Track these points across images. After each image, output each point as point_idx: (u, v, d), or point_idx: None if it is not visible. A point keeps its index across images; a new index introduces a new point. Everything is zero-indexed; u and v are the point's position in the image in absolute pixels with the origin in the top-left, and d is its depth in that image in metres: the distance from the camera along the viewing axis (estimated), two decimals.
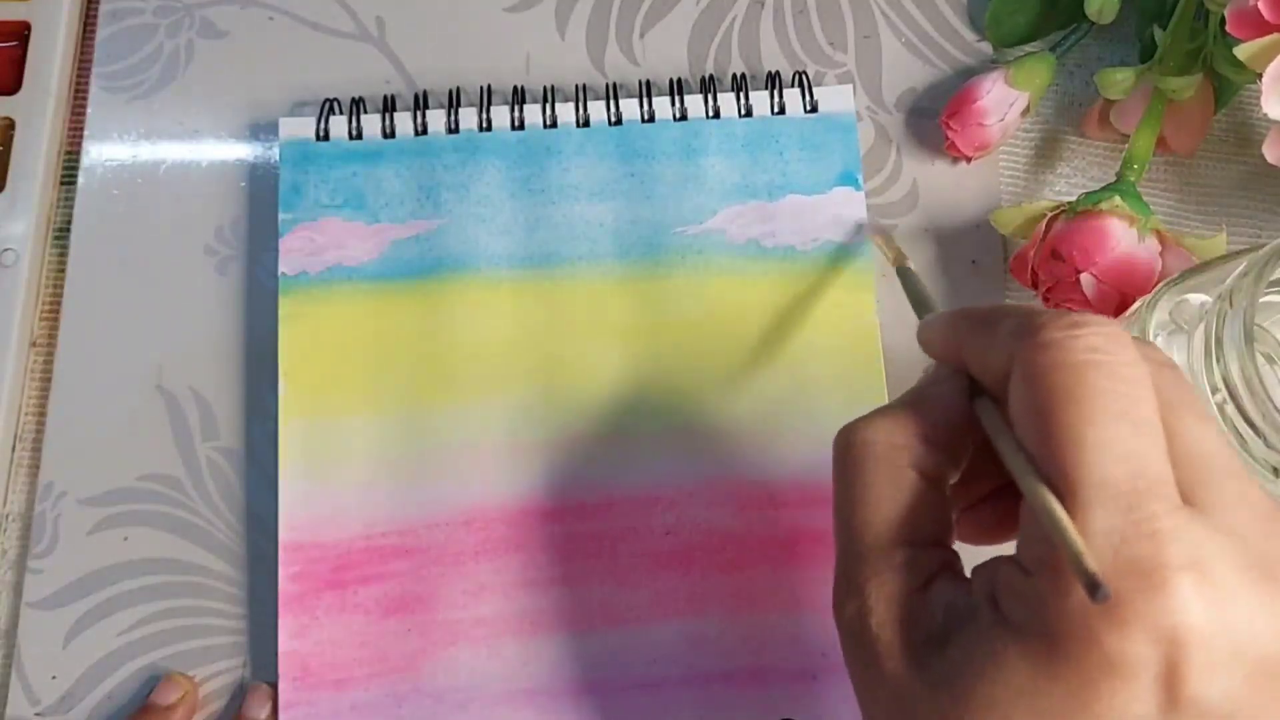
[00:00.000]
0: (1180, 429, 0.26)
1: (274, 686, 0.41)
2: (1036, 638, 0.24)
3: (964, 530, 0.31)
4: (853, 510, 0.28)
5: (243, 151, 0.48)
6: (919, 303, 0.38)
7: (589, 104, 0.47)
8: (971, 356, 0.28)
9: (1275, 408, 0.31)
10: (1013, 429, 0.26)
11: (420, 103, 0.47)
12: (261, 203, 0.47)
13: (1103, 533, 0.23)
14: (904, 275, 0.40)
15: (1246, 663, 0.23)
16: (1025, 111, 0.46)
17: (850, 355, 0.44)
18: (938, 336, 0.30)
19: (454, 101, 0.47)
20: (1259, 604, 0.23)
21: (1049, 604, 0.24)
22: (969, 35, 0.50)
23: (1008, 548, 0.27)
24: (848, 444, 0.28)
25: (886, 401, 0.43)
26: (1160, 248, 0.41)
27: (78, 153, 0.48)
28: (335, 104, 0.47)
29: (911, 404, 0.29)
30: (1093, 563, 0.23)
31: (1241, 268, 0.32)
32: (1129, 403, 0.24)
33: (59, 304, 0.46)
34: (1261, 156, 0.41)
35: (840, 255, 0.45)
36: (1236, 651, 0.23)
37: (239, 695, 0.42)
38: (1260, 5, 0.38)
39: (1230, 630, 0.23)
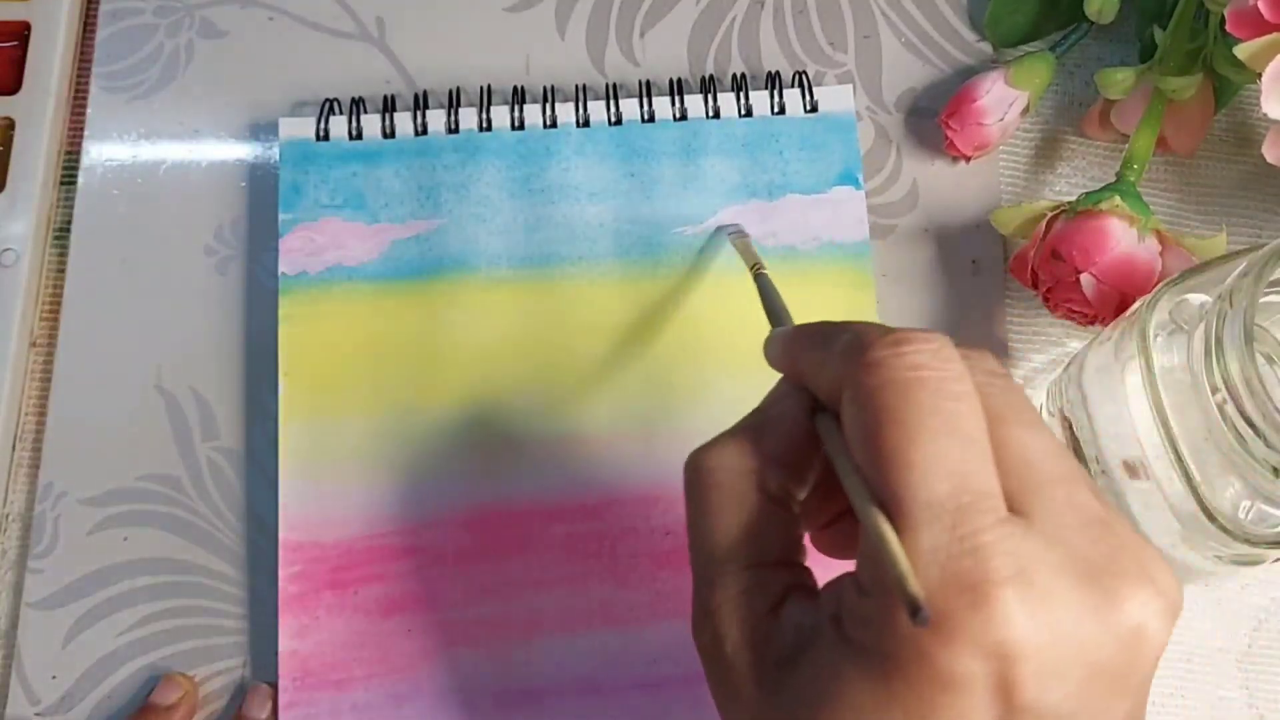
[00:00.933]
0: (1008, 438, 0.26)
1: (274, 687, 0.41)
2: (875, 658, 0.24)
3: (824, 544, 0.31)
4: (702, 536, 0.28)
5: (243, 151, 0.48)
6: (772, 313, 0.37)
7: (589, 104, 0.47)
8: (809, 374, 0.29)
9: (1275, 408, 0.31)
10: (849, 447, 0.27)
11: (420, 103, 0.47)
12: (261, 203, 0.47)
13: (930, 551, 0.24)
14: (760, 281, 0.40)
15: (1079, 667, 0.24)
16: (1025, 111, 0.46)
17: None
18: (780, 353, 0.30)
19: (454, 101, 0.47)
20: (1085, 609, 0.24)
21: (883, 625, 0.24)
22: (969, 35, 0.50)
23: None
24: (695, 470, 0.28)
25: None
26: (1160, 248, 0.41)
27: (78, 153, 0.48)
28: (335, 104, 0.47)
29: (755, 425, 0.29)
30: (915, 585, 0.23)
31: (1241, 268, 0.32)
32: (954, 418, 0.25)
33: (59, 304, 0.46)
34: (1261, 156, 0.41)
35: (841, 255, 0.45)
36: (1067, 657, 0.23)
37: (239, 695, 0.42)
38: (1260, 5, 0.38)
39: (1059, 638, 0.23)
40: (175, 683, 0.41)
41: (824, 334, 0.28)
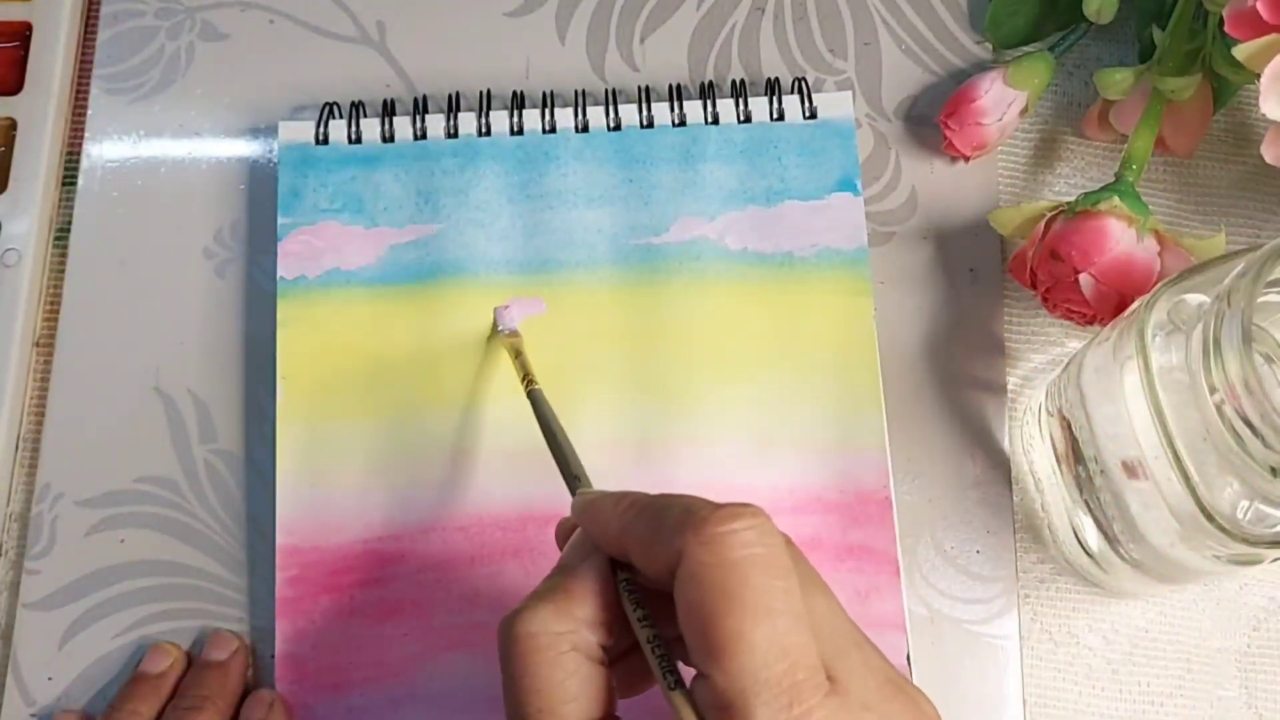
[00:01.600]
0: (813, 606, 0.28)
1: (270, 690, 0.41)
2: None
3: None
4: (525, 700, 0.28)
5: (242, 154, 0.48)
6: (552, 441, 0.38)
7: (588, 109, 0.47)
8: (635, 548, 0.29)
9: (1273, 408, 0.31)
10: (671, 612, 0.28)
11: (419, 107, 0.47)
12: (260, 206, 0.47)
13: None
14: (533, 399, 0.40)
15: None
16: (1024, 111, 0.46)
17: (848, 361, 0.44)
18: (599, 524, 0.31)
19: (453, 106, 0.47)
20: None
21: None
22: (969, 42, 0.50)
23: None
24: (512, 637, 0.29)
25: (882, 405, 0.43)
26: (1159, 248, 0.41)
27: (78, 154, 0.48)
28: (335, 108, 0.47)
29: (564, 587, 0.30)
30: None
31: (1240, 268, 0.32)
32: (784, 596, 0.27)
33: (60, 305, 0.46)
34: (1260, 157, 0.41)
35: (839, 261, 0.45)
36: None
37: None
38: (1259, 6, 0.38)
39: None
40: (164, 650, 0.41)
41: (652, 509, 0.29)
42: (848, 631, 0.29)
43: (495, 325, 0.44)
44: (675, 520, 0.28)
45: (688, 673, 0.28)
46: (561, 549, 0.33)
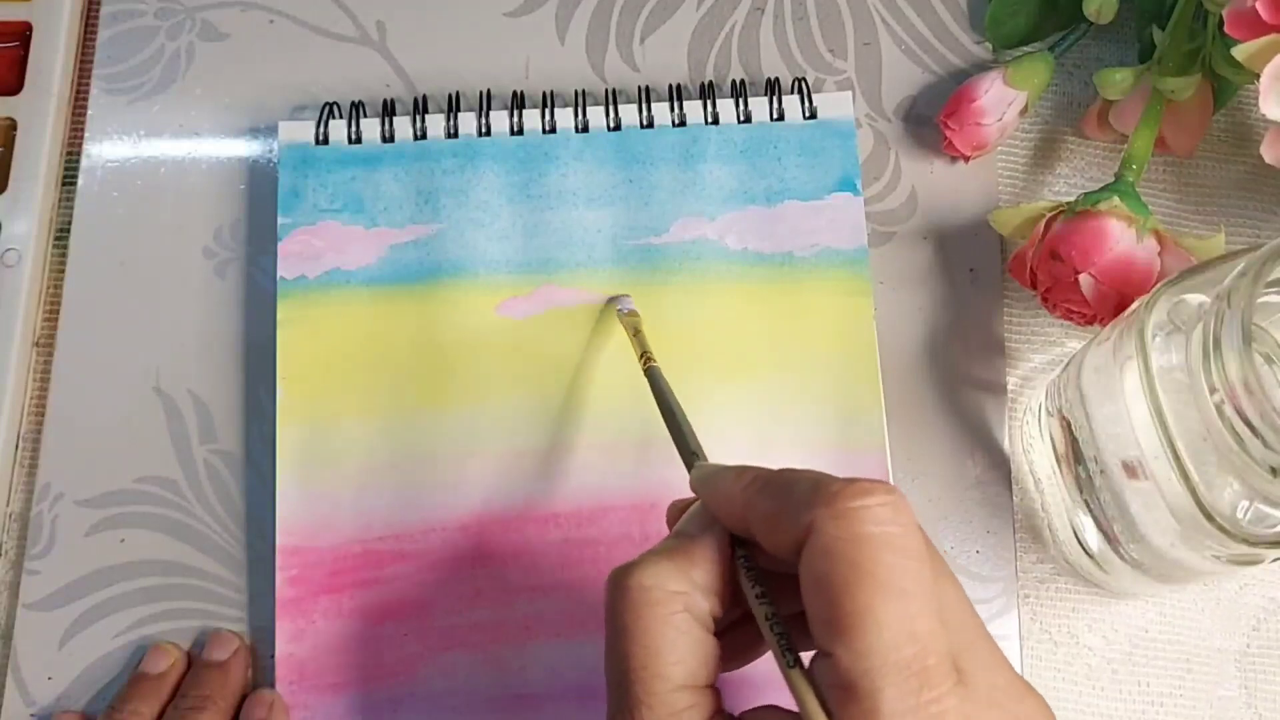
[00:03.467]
0: (944, 595, 0.27)
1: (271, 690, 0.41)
2: None
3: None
4: (631, 654, 0.28)
5: (242, 154, 0.48)
6: (669, 414, 0.37)
7: (588, 109, 0.47)
8: (759, 522, 0.29)
9: (1273, 408, 0.31)
10: (786, 594, 0.27)
11: (419, 107, 0.47)
12: (260, 206, 0.47)
13: (897, 714, 0.25)
14: (651, 377, 0.39)
15: None
16: (1023, 111, 0.46)
17: (848, 361, 0.44)
18: (721, 497, 0.30)
19: (453, 106, 0.47)
20: None
21: None
22: (969, 42, 0.50)
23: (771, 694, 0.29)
24: (623, 588, 0.29)
25: (882, 405, 0.43)
26: (1159, 248, 0.41)
27: (78, 154, 0.48)
28: (335, 108, 0.47)
29: (682, 550, 0.29)
30: None
31: (1240, 268, 0.32)
32: (915, 578, 0.26)
33: (60, 305, 0.46)
34: (1260, 157, 0.41)
35: (839, 261, 0.45)
36: None
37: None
38: (1258, 6, 0.38)
39: None
40: (165, 650, 0.41)
41: (779, 482, 0.29)
42: (975, 625, 0.28)
43: (614, 306, 0.44)
44: (804, 494, 0.27)
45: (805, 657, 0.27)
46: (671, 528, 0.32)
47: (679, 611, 0.28)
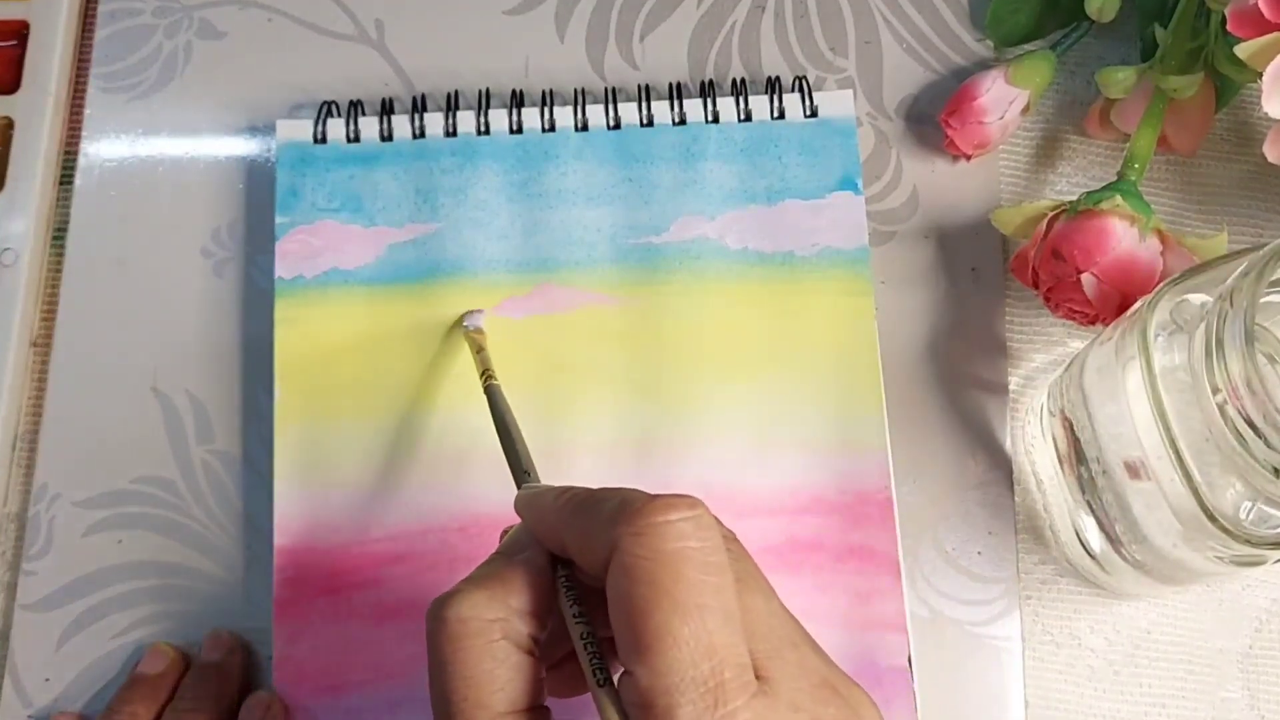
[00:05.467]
0: (749, 603, 0.28)
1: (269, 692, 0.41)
2: None
3: (550, 685, 0.31)
4: (452, 686, 0.28)
5: (240, 153, 0.48)
6: (504, 433, 0.38)
7: (588, 108, 0.47)
8: (572, 541, 0.29)
9: (1276, 408, 0.30)
10: (607, 611, 0.27)
11: (418, 106, 0.47)
12: (258, 205, 0.47)
13: None
14: (490, 395, 0.40)
15: None
16: (1025, 110, 0.46)
17: (848, 361, 0.44)
18: (540, 517, 0.31)
19: (452, 105, 0.47)
20: None
21: None
22: (971, 40, 0.50)
23: None
24: (441, 620, 0.28)
25: (884, 406, 0.43)
26: (1161, 247, 0.41)
27: (75, 153, 0.48)
28: (333, 106, 0.47)
29: (499, 575, 0.29)
30: None
31: (1242, 267, 0.32)
32: (715, 592, 0.26)
33: (57, 304, 0.46)
34: (1262, 156, 0.41)
35: (840, 261, 0.45)
36: None
37: None
38: (1261, 4, 0.38)
39: None
40: (162, 651, 0.41)
41: (590, 501, 0.29)
42: (784, 631, 0.28)
43: (461, 321, 0.44)
44: (610, 512, 0.27)
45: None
46: None
47: (497, 640, 0.28)
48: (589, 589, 0.29)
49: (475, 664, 0.28)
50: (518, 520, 0.42)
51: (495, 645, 0.28)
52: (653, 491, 0.40)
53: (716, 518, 0.28)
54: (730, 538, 0.29)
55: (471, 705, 0.28)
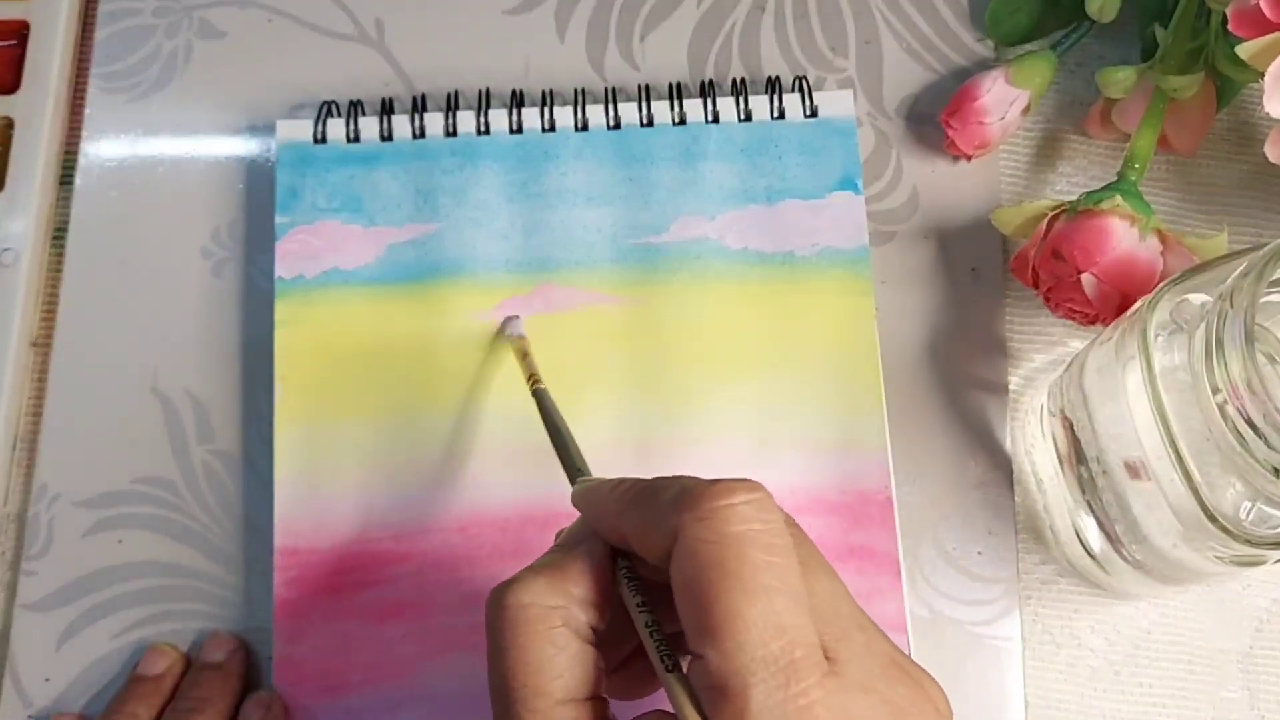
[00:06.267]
0: (815, 587, 0.28)
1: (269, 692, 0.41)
2: None
3: (615, 688, 0.32)
4: (511, 672, 0.28)
5: (240, 153, 0.48)
6: (556, 436, 0.38)
7: (587, 108, 0.47)
8: (632, 531, 0.29)
9: (1276, 408, 0.30)
10: (668, 605, 0.27)
11: (418, 106, 0.47)
12: (258, 205, 0.47)
13: (765, 710, 0.25)
14: (539, 399, 0.40)
15: None
16: (1026, 110, 0.46)
17: (849, 361, 0.44)
18: (598, 510, 0.31)
19: (452, 105, 0.47)
20: None
21: None
22: (971, 40, 0.50)
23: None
24: (502, 606, 0.29)
25: (884, 406, 0.43)
26: (1161, 247, 0.41)
27: (75, 153, 0.48)
28: (333, 106, 0.47)
29: (559, 564, 0.30)
30: None
31: (1242, 267, 0.32)
32: (781, 574, 0.26)
33: (57, 304, 0.46)
34: (1263, 156, 0.41)
35: (840, 261, 0.45)
36: None
37: None
38: (1262, 4, 0.38)
39: None
40: (162, 652, 0.41)
41: (649, 490, 0.29)
42: (850, 614, 0.28)
43: (502, 330, 0.44)
44: (671, 499, 0.28)
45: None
46: None
47: (557, 627, 0.28)
48: (649, 583, 0.29)
49: (535, 650, 0.28)
50: (529, 520, 0.42)
51: (555, 632, 0.28)
52: None
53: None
54: (790, 521, 0.29)
55: (530, 692, 0.28)
